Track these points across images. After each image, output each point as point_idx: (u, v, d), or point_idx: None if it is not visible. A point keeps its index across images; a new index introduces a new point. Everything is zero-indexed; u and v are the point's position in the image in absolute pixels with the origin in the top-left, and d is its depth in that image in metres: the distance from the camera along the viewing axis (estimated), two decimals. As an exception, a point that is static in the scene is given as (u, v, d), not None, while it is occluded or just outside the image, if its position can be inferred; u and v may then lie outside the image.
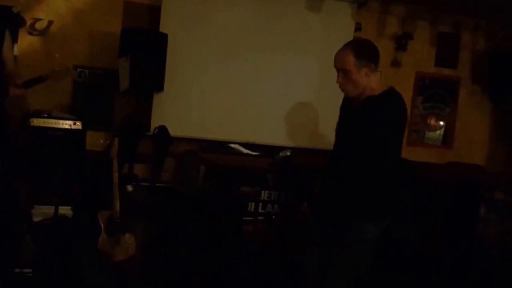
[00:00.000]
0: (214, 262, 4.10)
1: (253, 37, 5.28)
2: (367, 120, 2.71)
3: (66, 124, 4.25)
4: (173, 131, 4.94)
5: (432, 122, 6.00)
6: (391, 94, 2.79)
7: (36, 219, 4.23)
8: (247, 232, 5.01)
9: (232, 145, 5.43)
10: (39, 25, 4.91)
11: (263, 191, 5.43)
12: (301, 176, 5.50)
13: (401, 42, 5.64)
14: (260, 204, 5.42)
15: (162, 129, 4.90)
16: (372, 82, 2.79)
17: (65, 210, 4.32)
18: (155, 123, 4.97)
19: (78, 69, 4.97)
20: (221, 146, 5.41)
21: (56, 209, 4.15)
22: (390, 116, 2.72)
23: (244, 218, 5.13)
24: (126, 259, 3.65)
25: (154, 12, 5.04)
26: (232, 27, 5.22)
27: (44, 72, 3.65)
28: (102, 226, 3.60)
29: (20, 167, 3.66)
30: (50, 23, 4.95)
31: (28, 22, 4.82)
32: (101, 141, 4.90)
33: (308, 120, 5.46)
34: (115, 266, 3.57)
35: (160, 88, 4.84)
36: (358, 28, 5.51)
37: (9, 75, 3.52)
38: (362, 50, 2.80)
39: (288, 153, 5.55)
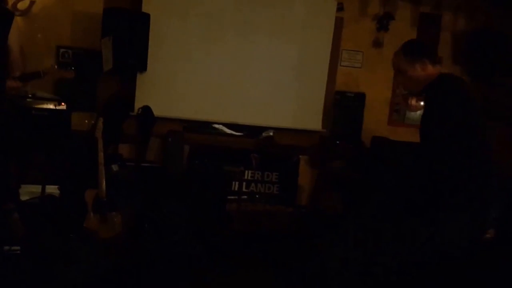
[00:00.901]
0: (199, 240, 4.17)
1: (236, 18, 5.31)
2: (427, 112, 2.76)
3: (51, 104, 4.27)
4: (157, 111, 4.96)
5: (413, 102, 6.07)
6: (438, 80, 2.78)
7: (23, 198, 4.27)
8: (231, 210, 5.10)
9: (216, 126, 5.49)
10: (21, 5, 4.88)
11: (246, 171, 5.52)
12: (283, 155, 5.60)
13: (383, 22, 5.69)
14: (244, 183, 5.51)
15: (146, 109, 4.92)
16: (430, 74, 2.81)
17: (52, 189, 4.38)
18: (139, 103, 4.99)
19: (61, 50, 4.97)
20: (205, 127, 5.46)
21: (43, 188, 4.19)
22: (439, 102, 2.67)
23: (228, 197, 5.21)
24: (113, 236, 3.71)
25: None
26: (215, 8, 5.24)
27: (42, 68, 3.63)
28: (89, 204, 3.65)
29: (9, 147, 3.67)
30: (32, 3, 4.92)
31: (10, 2, 4.79)
32: (86, 121, 4.92)
33: (289, 101, 5.53)
34: (102, 244, 3.63)
35: (143, 68, 4.87)
36: (340, 8, 5.56)
37: (11, 64, 3.50)
38: (409, 48, 2.88)
39: (271, 133, 5.62)
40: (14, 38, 3.54)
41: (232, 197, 5.31)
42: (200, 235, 4.20)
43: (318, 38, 5.48)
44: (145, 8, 4.91)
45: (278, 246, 4.52)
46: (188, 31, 5.18)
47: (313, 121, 5.61)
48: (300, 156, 5.70)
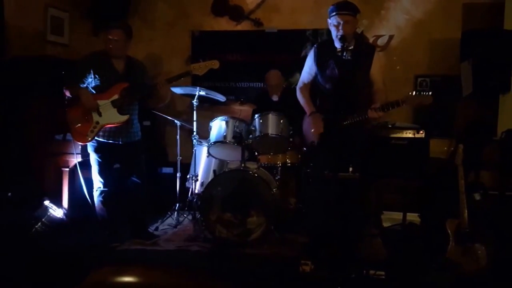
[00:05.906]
0: None
1: None
2: None
3: (410, 133, 4.38)
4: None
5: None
6: None
7: (385, 224, 4.48)
8: None
9: None
10: (381, 41, 5.23)
11: None
12: None
13: None
14: None
15: (510, 133, 4.54)
16: None
17: (413, 217, 4.47)
18: (502, 126, 4.65)
19: (419, 79, 5.10)
20: None
21: (404, 216, 4.30)
22: None
23: None
24: (476, 270, 3.50)
25: (496, 10, 4.76)
26: None
27: (401, 97, 3.63)
28: (450, 234, 3.55)
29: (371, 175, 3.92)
30: (391, 37, 5.21)
31: (371, 40, 5.18)
32: (445, 148, 4.87)
33: None
34: (463, 276, 3.47)
35: (506, 89, 4.53)
36: None
37: (374, 95, 3.79)
38: None
39: None
40: (375, 70, 3.78)
41: None
42: None
43: None
44: (507, 26, 4.59)
45: None
46: None
47: None
48: None
